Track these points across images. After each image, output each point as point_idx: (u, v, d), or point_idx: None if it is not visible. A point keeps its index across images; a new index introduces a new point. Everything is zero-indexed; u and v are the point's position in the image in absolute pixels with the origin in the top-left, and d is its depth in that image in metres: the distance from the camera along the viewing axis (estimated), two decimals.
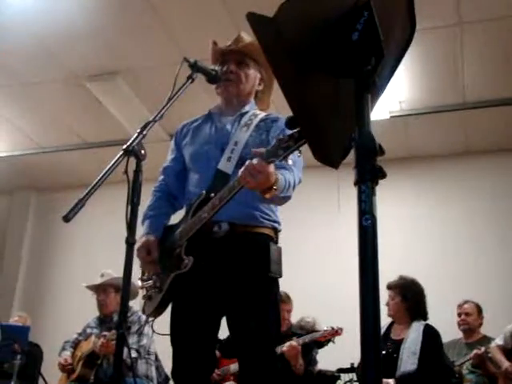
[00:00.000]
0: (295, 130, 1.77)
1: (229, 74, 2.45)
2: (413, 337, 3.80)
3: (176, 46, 4.77)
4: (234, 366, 4.22)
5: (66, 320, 6.34)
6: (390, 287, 4.03)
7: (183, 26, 4.62)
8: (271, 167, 1.96)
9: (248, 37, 2.50)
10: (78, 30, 4.71)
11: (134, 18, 4.56)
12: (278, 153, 1.89)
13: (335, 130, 1.29)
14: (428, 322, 3.96)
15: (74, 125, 6.30)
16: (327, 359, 4.56)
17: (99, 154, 6.52)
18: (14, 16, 4.53)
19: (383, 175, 1.09)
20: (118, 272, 4.37)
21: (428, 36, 4.43)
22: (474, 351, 4.46)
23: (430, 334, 3.84)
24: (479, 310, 4.91)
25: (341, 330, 4.16)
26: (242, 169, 1.98)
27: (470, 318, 4.85)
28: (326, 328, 4.21)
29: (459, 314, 4.90)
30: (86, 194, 1.68)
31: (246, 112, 2.50)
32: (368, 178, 1.08)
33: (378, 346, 1.01)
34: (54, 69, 5.25)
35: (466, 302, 4.95)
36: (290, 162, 1.96)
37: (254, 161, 1.94)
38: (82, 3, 4.42)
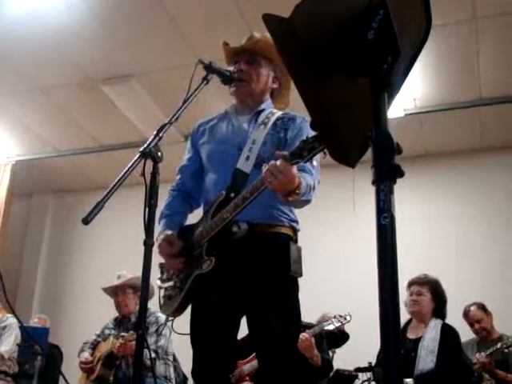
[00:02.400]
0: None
1: (239, 73, 2.43)
2: (431, 335, 3.77)
3: (190, 48, 4.78)
4: (247, 367, 4.22)
5: (84, 321, 6.39)
6: (419, 283, 3.98)
7: (197, 28, 4.63)
8: (294, 169, 1.96)
9: (261, 36, 2.50)
10: (92, 33, 4.75)
11: (148, 21, 4.59)
12: (303, 154, 1.90)
13: (351, 129, 1.29)
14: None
15: (89, 128, 6.34)
16: (345, 358, 4.55)
17: (115, 157, 6.57)
18: (29, 22, 4.58)
19: (401, 174, 1.09)
20: (134, 273, 4.40)
21: (443, 32, 4.41)
22: (477, 356, 4.38)
23: (448, 333, 3.80)
24: (484, 309, 4.81)
25: (349, 316, 4.16)
26: (266, 170, 1.98)
27: (484, 323, 4.75)
28: (334, 317, 4.21)
29: (471, 324, 4.79)
30: (105, 196, 1.69)
31: (263, 110, 2.49)
32: (386, 177, 1.07)
33: (398, 346, 1.01)
34: (69, 73, 5.29)
35: (469, 308, 4.83)
36: (314, 163, 1.97)
37: (278, 162, 1.95)
38: (96, 7, 4.45)
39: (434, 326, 3.84)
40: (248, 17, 4.32)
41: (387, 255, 1.05)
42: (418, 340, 3.79)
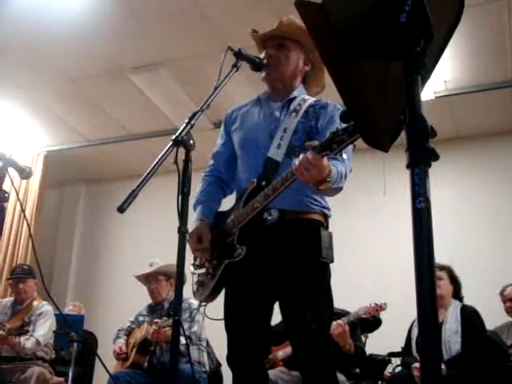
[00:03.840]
0: (349, 124, 1.75)
1: (268, 58, 2.43)
2: (452, 317, 3.88)
3: (218, 36, 4.78)
4: (281, 353, 4.24)
5: (118, 308, 6.48)
6: (437, 268, 4.00)
7: (224, 15, 4.62)
8: (325, 160, 1.96)
9: (288, 20, 2.49)
10: (120, 23, 4.77)
11: (176, 9, 4.59)
12: (332, 147, 1.89)
13: (384, 113, 1.28)
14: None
15: (118, 117, 6.40)
16: (378, 343, 4.54)
17: (144, 145, 6.63)
18: (59, 14, 4.62)
19: (436, 157, 1.08)
20: (165, 260, 4.45)
21: (473, 11, 4.33)
22: None
23: (469, 312, 3.90)
24: None
25: (385, 304, 4.15)
26: (296, 162, 1.98)
27: None
28: (369, 305, 4.21)
29: (504, 302, 4.77)
30: (139, 184, 1.71)
31: (295, 97, 2.48)
32: (421, 161, 1.07)
33: (436, 330, 1.01)
34: (98, 62, 5.34)
35: (506, 287, 4.81)
36: (344, 156, 1.96)
37: (308, 154, 1.94)
38: None
39: (454, 308, 3.95)
40: (276, 3, 4.29)
41: (423, 239, 1.04)
42: (440, 324, 3.83)
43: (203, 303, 2.44)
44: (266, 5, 4.36)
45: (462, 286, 4.12)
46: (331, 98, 2.44)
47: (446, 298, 4.01)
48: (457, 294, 4.08)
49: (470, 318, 3.86)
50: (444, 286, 4.03)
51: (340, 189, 2.19)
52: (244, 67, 2.34)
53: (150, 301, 4.63)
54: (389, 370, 4.62)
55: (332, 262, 2.29)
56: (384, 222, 6.27)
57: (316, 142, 1.95)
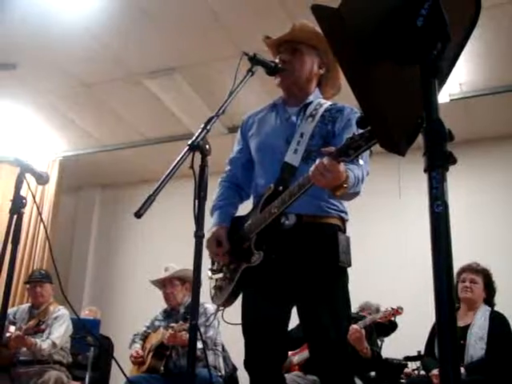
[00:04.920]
0: (366, 130, 1.75)
1: (283, 63, 2.43)
2: (479, 322, 3.77)
3: (231, 41, 4.80)
4: (297, 357, 4.24)
5: (134, 312, 6.51)
6: (473, 271, 3.96)
7: (238, 20, 4.64)
8: (341, 166, 1.95)
9: (301, 25, 2.49)
10: (134, 28, 4.80)
11: (190, 14, 4.61)
12: (349, 152, 1.88)
13: (401, 117, 1.28)
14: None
15: (133, 122, 6.44)
16: (394, 347, 4.53)
17: (159, 150, 6.65)
18: (74, 19, 4.66)
19: (454, 161, 1.08)
20: (181, 265, 4.46)
21: (488, 13, 4.30)
22: None
23: (498, 319, 3.80)
24: None
25: (401, 309, 4.13)
26: (313, 168, 1.97)
27: None
28: (385, 309, 4.19)
29: None
30: (156, 189, 1.71)
31: (311, 102, 2.48)
32: (439, 164, 1.06)
33: (454, 334, 1.01)
34: (113, 68, 5.37)
35: None
36: (361, 161, 1.96)
37: (325, 160, 1.94)
38: (139, 2, 4.50)
39: (483, 312, 3.84)
40: (289, 7, 4.30)
41: (441, 243, 1.04)
42: (466, 327, 3.77)
43: (221, 308, 2.44)
44: (279, 9, 4.36)
45: (495, 294, 4.00)
46: (345, 101, 2.45)
47: (477, 303, 3.91)
48: (489, 300, 3.96)
49: (498, 325, 3.76)
50: (476, 291, 3.91)
51: (357, 193, 2.18)
52: (257, 71, 2.34)
53: (165, 305, 4.64)
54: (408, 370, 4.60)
55: (349, 265, 2.29)
56: (400, 224, 6.25)
57: (332, 148, 1.95)
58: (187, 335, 4.08)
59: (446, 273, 1.02)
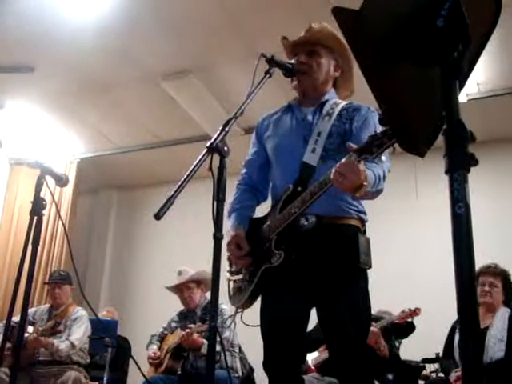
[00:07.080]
0: (388, 127, 1.74)
1: (300, 65, 2.42)
2: (499, 324, 3.73)
3: (247, 43, 4.80)
4: (313, 359, 4.23)
5: (150, 313, 6.54)
6: (493, 274, 3.92)
7: (254, 22, 4.64)
8: (362, 166, 1.94)
9: (318, 26, 2.48)
10: (151, 30, 4.82)
11: (205, 16, 4.62)
12: (372, 150, 1.88)
13: (421, 118, 1.28)
14: None
15: (150, 124, 6.46)
16: (412, 349, 4.50)
17: (175, 152, 6.68)
18: (91, 22, 4.69)
19: (476, 162, 1.07)
20: (197, 267, 4.48)
21: (507, 12, 4.26)
22: None
23: None
24: None
25: (419, 310, 4.11)
26: (333, 171, 1.96)
27: None
28: (403, 310, 4.17)
29: None
30: (175, 191, 1.72)
31: (327, 101, 2.47)
32: (460, 166, 1.06)
33: (477, 337, 1.00)
34: (129, 69, 5.39)
35: None
36: (383, 158, 1.95)
37: (344, 160, 1.93)
38: (155, 4, 4.52)
39: (502, 314, 3.80)
40: (305, 9, 4.29)
41: (463, 245, 1.04)
42: (485, 329, 3.73)
43: (239, 310, 2.44)
44: (295, 11, 4.36)
45: None
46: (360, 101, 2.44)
47: (496, 306, 3.87)
48: (507, 302, 3.92)
49: None
50: (495, 295, 3.88)
51: (380, 191, 2.16)
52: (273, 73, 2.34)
53: (181, 306, 4.66)
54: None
55: (370, 267, 2.28)
56: (417, 225, 6.21)
57: (355, 146, 1.94)
58: (201, 338, 4.10)
59: (469, 274, 1.02)
